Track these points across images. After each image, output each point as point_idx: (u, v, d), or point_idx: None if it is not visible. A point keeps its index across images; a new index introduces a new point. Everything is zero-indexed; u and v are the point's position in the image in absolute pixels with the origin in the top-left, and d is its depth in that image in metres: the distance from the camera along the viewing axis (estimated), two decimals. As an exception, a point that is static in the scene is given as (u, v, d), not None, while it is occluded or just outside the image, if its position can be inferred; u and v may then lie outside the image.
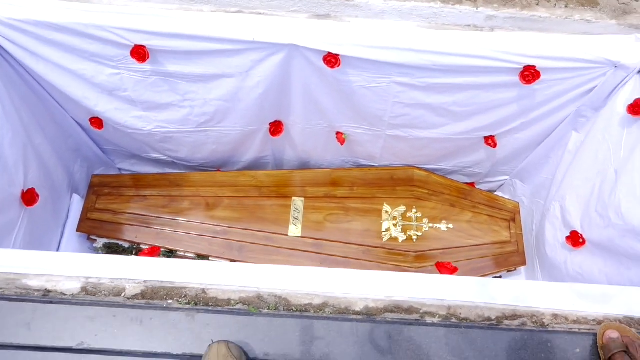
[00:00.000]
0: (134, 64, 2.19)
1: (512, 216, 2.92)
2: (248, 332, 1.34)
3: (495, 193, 3.16)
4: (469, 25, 2.10)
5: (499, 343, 1.36)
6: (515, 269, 2.89)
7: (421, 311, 1.55)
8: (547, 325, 1.53)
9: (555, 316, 1.56)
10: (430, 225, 2.82)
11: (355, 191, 2.92)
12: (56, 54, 2.18)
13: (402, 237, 2.78)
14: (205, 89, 2.35)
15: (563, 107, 2.37)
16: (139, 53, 2.11)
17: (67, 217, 2.92)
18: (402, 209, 2.85)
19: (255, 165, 3.08)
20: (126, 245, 2.85)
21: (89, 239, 2.92)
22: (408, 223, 2.82)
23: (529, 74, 2.09)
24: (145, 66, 2.21)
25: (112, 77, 2.30)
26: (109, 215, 2.85)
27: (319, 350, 1.33)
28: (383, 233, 2.80)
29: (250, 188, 2.91)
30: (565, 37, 2.09)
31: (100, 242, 2.88)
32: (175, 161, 3.04)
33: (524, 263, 2.84)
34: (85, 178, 3.07)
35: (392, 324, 1.40)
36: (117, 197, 2.89)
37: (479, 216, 2.89)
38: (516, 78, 2.13)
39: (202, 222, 2.82)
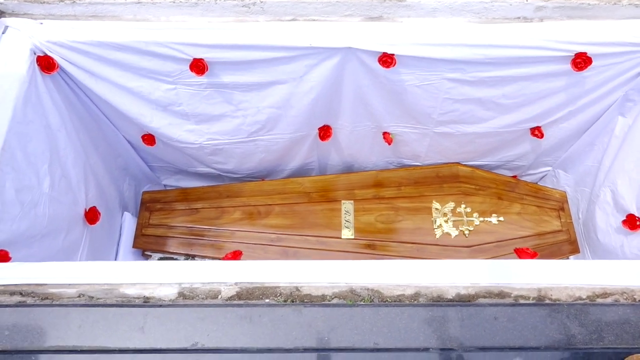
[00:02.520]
0: (192, 77, 2.24)
1: (560, 205, 2.94)
2: (356, 323, 1.37)
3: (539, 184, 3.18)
4: (519, 18, 2.15)
5: (602, 318, 1.38)
6: (568, 257, 2.90)
7: (512, 295, 1.58)
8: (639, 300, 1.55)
9: (644, 292, 1.58)
10: (481, 219, 2.84)
11: (402, 191, 2.95)
12: (115, 73, 2.24)
13: (454, 233, 2.80)
14: (258, 97, 2.40)
15: (610, 93, 2.40)
16: (198, 66, 2.17)
17: (120, 234, 2.96)
18: (452, 204, 2.87)
19: (299, 172, 3.12)
20: (181, 258, 2.88)
21: (143, 254, 2.96)
22: (459, 218, 2.84)
23: (581, 61, 2.13)
24: (202, 79, 2.26)
25: (167, 92, 2.36)
26: (163, 229, 2.89)
27: (429, 335, 1.35)
28: (435, 230, 2.82)
29: (298, 195, 2.95)
30: (615, 22, 2.13)
31: (155, 257, 2.92)
32: (221, 174, 3.08)
33: (576, 251, 2.85)
34: (133, 196, 3.12)
35: (492, 306, 1.43)
36: (169, 212, 2.94)
37: (527, 207, 2.91)
38: (568, 66, 2.17)
39: (256, 230, 2.85)
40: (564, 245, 2.84)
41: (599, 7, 2.11)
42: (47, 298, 1.55)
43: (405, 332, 1.35)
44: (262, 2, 2.10)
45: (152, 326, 1.37)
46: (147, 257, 2.95)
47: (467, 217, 2.84)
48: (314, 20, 2.15)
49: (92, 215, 2.48)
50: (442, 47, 2.12)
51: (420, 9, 2.11)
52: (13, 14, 2.15)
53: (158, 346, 1.34)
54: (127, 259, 2.90)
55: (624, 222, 2.49)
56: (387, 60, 2.13)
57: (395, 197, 2.93)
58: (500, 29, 2.13)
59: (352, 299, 1.54)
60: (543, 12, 2.13)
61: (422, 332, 1.35)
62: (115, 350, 1.33)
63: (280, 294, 1.56)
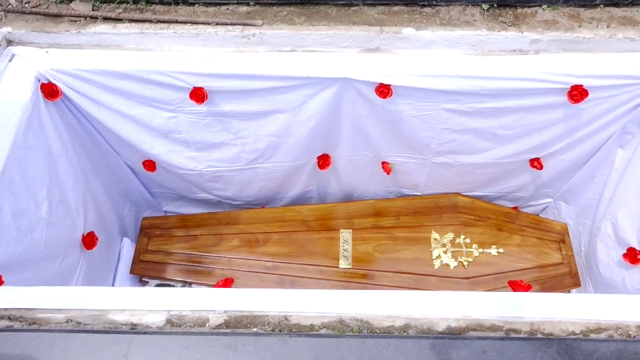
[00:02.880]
0: (192, 105, 2.28)
1: (561, 237, 2.91)
2: (342, 354, 1.35)
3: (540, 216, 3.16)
4: (515, 50, 2.17)
5: (594, 354, 1.35)
6: (569, 291, 2.85)
7: (504, 328, 1.55)
8: (634, 336, 1.52)
9: (640, 327, 1.55)
10: (480, 250, 2.81)
11: (401, 220, 2.94)
12: (117, 101, 2.28)
13: (453, 264, 2.77)
14: (257, 125, 2.43)
15: (609, 125, 2.40)
16: (198, 95, 2.20)
17: (119, 260, 2.96)
18: (451, 235, 2.85)
19: (299, 200, 3.12)
20: (178, 285, 2.87)
21: (140, 280, 2.95)
22: (458, 249, 2.82)
23: (577, 93, 2.14)
24: (202, 107, 2.30)
25: (168, 120, 2.39)
26: (161, 256, 2.89)
27: (415, 369, 1.33)
28: (433, 260, 2.79)
29: (297, 223, 2.94)
30: (610, 55, 2.15)
31: (153, 283, 2.91)
32: (221, 200, 3.09)
33: (577, 284, 2.81)
34: (134, 222, 3.13)
35: (481, 340, 1.40)
36: (168, 238, 2.94)
37: (528, 239, 2.88)
38: (564, 98, 2.18)
39: (253, 258, 2.84)
40: (565, 278, 2.79)
41: (594, 40, 2.13)
42: (34, 323, 1.55)
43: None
44: (261, 33, 2.15)
45: (136, 354, 1.36)
46: (144, 284, 2.94)
47: (466, 248, 2.82)
48: (312, 51, 2.19)
49: (89, 240, 2.48)
50: (438, 78, 2.14)
51: (417, 41, 2.14)
52: (20, 43, 2.22)
53: (141, 374, 1.33)
54: (124, 285, 2.89)
55: (624, 255, 2.45)
56: (383, 90, 2.15)
57: (394, 226, 2.91)
58: (496, 61, 2.15)
59: (340, 330, 1.52)
60: (538, 45, 2.15)
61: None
62: (98, 377, 1.32)
63: (269, 323, 1.55)
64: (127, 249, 2.98)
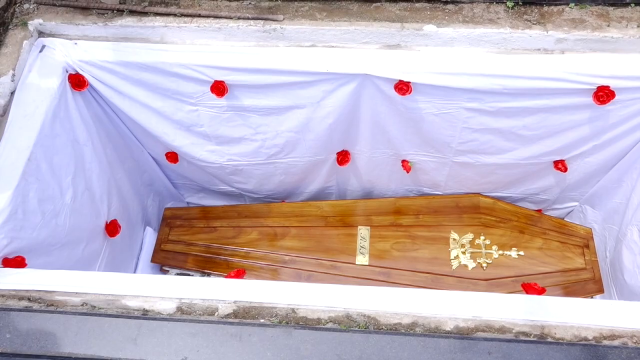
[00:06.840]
0: (212, 99, 2.32)
1: (585, 242, 2.84)
2: (345, 348, 1.35)
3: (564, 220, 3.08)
4: (539, 49, 2.13)
5: (604, 361, 1.32)
6: (592, 297, 2.78)
7: (514, 331, 1.53)
8: (650, 345, 1.47)
9: (657, 337, 1.50)
10: (500, 252, 2.77)
11: (420, 219, 2.91)
12: (141, 93, 2.34)
13: (471, 265, 2.74)
14: (277, 121, 2.45)
15: (637, 128, 2.33)
16: (219, 88, 2.24)
17: (141, 249, 3.03)
18: (470, 236, 2.82)
19: (319, 196, 3.13)
20: (197, 275, 2.92)
21: (161, 269, 3.01)
22: (477, 250, 2.78)
23: (603, 94, 2.08)
24: (222, 101, 2.33)
25: (190, 113, 2.44)
26: (181, 246, 2.95)
27: (418, 367, 1.33)
28: (452, 261, 2.76)
29: (316, 218, 2.96)
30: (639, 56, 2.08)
31: (173, 272, 2.97)
32: (242, 193, 3.13)
33: (601, 291, 2.73)
34: (157, 212, 3.20)
35: (487, 341, 1.38)
36: (188, 229, 2.99)
37: (550, 243, 2.82)
38: (589, 99, 2.13)
39: (271, 251, 2.87)
40: (588, 284, 2.72)
41: (622, 40, 2.07)
42: (52, 305, 1.60)
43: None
44: (282, 28, 2.16)
45: (144, 338, 1.40)
46: (165, 272, 3.01)
47: (485, 249, 2.78)
48: (332, 46, 2.19)
49: (112, 228, 2.55)
50: (458, 76, 2.12)
51: (438, 38, 2.12)
52: (50, 34, 2.29)
53: (148, 358, 1.37)
54: (146, 273, 2.96)
55: (650, 263, 2.37)
56: (402, 87, 2.14)
57: (412, 225, 2.89)
58: (519, 59, 2.11)
59: (346, 325, 1.53)
60: (564, 44, 2.10)
61: (392, 357, 1.32)
62: (107, 359, 1.36)
63: (276, 315, 1.57)
64: (150, 238, 3.05)
